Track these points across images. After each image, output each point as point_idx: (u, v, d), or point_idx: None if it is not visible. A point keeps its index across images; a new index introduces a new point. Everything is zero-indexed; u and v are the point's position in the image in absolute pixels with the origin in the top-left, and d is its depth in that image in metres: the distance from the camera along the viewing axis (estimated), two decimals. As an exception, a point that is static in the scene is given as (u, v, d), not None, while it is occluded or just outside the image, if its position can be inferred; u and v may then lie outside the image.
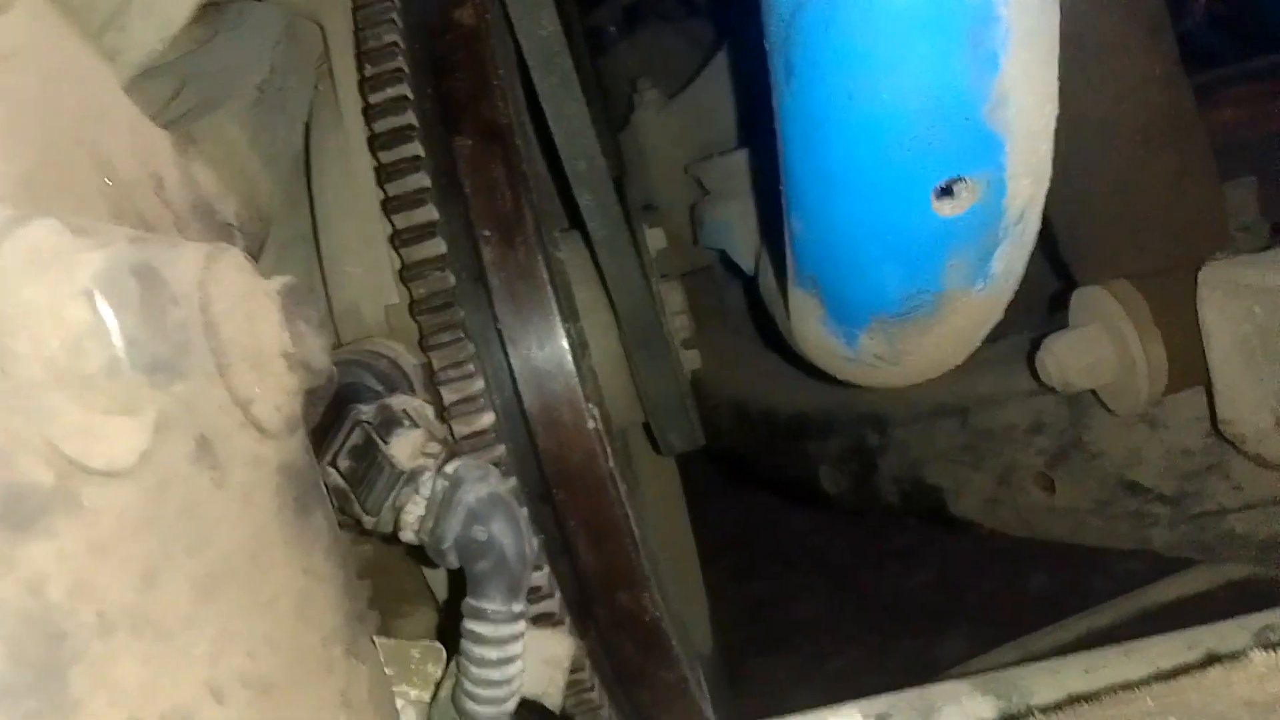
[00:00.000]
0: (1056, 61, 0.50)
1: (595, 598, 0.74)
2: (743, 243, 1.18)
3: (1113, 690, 0.37)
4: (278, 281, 0.40)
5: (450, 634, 0.65)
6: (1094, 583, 2.05)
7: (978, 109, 0.47)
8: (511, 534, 0.56)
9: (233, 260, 0.39)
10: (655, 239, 1.17)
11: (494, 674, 0.56)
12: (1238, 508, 1.10)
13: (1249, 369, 0.87)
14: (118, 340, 0.28)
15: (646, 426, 1.17)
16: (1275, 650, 0.35)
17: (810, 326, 0.69)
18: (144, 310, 0.29)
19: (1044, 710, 0.38)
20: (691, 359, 1.16)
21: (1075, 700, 0.36)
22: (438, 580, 0.79)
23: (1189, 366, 0.96)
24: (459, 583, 0.63)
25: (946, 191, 0.52)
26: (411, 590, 0.85)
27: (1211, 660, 0.37)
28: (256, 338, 0.39)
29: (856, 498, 1.55)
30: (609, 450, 0.72)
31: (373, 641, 0.45)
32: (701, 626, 1.40)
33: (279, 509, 0.40)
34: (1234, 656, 0.36)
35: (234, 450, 0.37)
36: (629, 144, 1.55)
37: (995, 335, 1.34)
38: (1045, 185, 0.55)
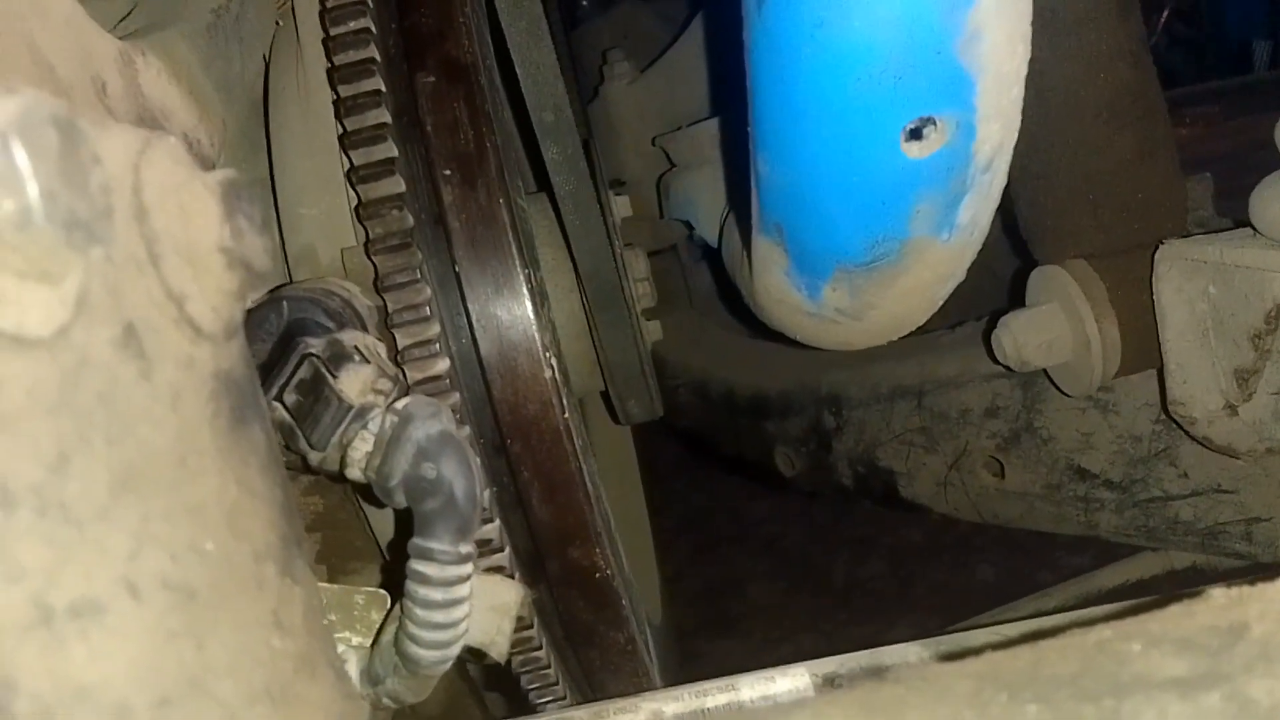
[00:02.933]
0: (1031, 2, 0.49)
1: (547, 552, 0.72)
2: (707, 213, 1.17)
3: (1069, 627, 0.36)
4: (219, 174, 0.38)
5: (395, 584, 0.63)
6: (1041, 576, 2.09)
7: (950, 43, 0.47)
8: (461, 473, 0.54)
9: (169, 149, 0.37)
10: (621, 206, 1.15)
11: (439, 616, 0.55)
12: (1184, 495, 1.11)
13: (1202, 349, 0.88)
14: (31, 189, 0.26)
15: (605, 397, 1.15)
16: (1236, 586, 0.35)
17: (773, 280, 0.68)
18: (63, 162, 0.27)
19: (996, 648, 0.37)
20: (653, 330, 1.15)
21: (1030, 637, 0.35)
22: (387, 537, 0.77)
23: (1143, 348, 0.97)
24: (406, 535, 0.61)
25: (916, 133, 0.51)
26: (361, 547, 0.83)
27: (1170, 600, 0.36)
28: (192, 230, 0.37)
29: (811, 479, 1.55)
30: (565, 402, 0.70)
31: (310, 567, 0.43)
32: (653, 599, 1.39)
33: (212, 415, 0.38)
34: (1194, 594, 0.35)
35: (165, 346, 0.35)
36: (598, 116, 1.54)
37: (955, 321, 1.36)
38: (1014, 134, 0.55)
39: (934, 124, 0.51)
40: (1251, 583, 0.34)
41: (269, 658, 0.36)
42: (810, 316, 0.68)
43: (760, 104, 0.55)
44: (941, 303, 0.67)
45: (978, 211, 0.57)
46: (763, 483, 1.76)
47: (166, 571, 0.31)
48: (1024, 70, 0.52)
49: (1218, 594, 0.34)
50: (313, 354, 0.59)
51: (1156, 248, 0.90)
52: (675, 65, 1.44)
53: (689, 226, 1.30)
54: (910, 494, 1.41)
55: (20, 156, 0.26)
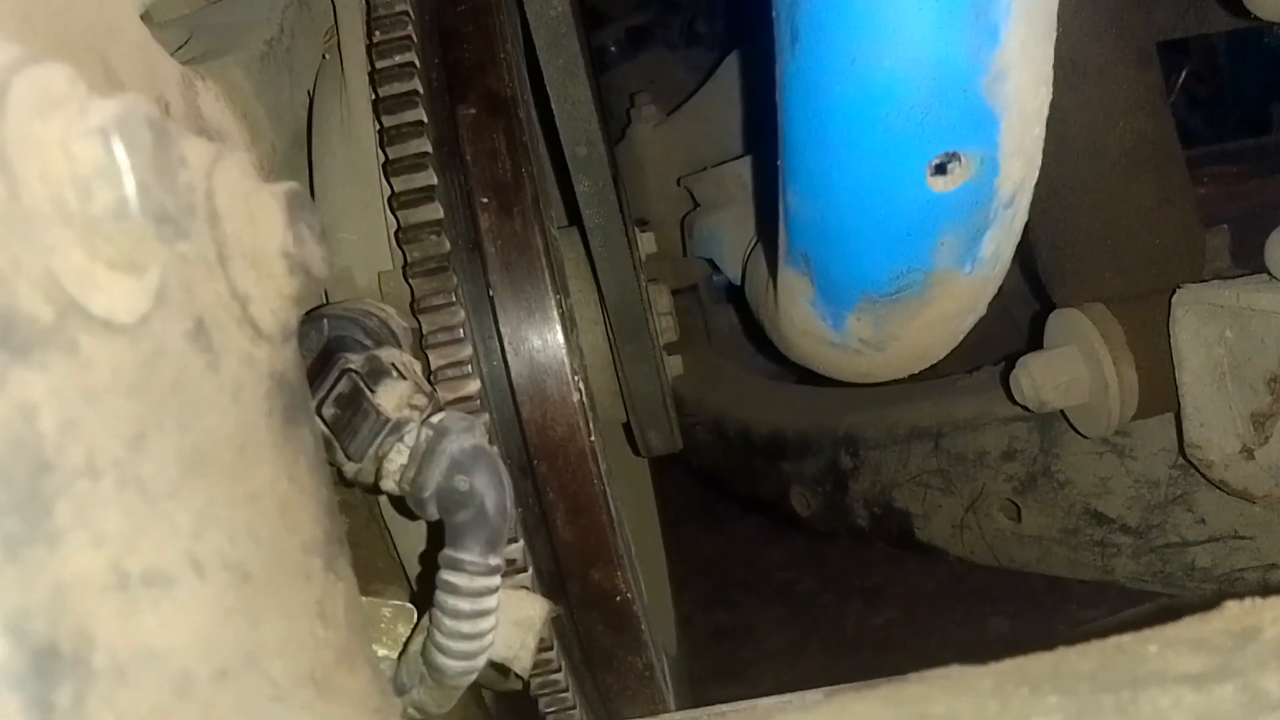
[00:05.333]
0: (1053, 45, 0.51)
1: (569, 573, 0.74)
2: (730, 251, 1.19)
3: (1088, 637, 0.37)
4: (283, 185, 0.41)
5: (420, 601, 0.65)
6: (1056, 629, 2.07)
7: (976, 81, 0.49)
8: (493, 486, 0.56)
9: (238, 160, 0.39)
10: (646, 243, 1.18)
11: (466, 626, 0.56)
12: (1201, 540, 1.11)
13: (1219, 393, 0.89)
14: (128, 183, 0.28)
15: (625, 430, 1.17)
16: (1250, 598, 0.36)
17: (798, 310, 0.70)
18: (155, 160, 0.29)
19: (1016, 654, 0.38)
20: (674, 365, 1.17)
21: (1050, 647, 0.36)
22: (410, 560, 0.78)
23: (1160, 392, 0.98)
24: (431, 554, 0.62)
25: (941, 168, 0.53)
26: (383, 568, 0.84)
27: (1186, 611, 0.38)
28: (258, 236, 0.39)
29: (827, 520, 1.56)
30: (591, 425, 0.72)
31: (350, 566, 0.44)
32: (668, 633, 1.39)
33: (268, 412, 0.39)
34: (1207, 605, 0.36)
35: (229, 343, 0.37)
36: (624, 157, 1.57)
37: (974, 365, 1.37)
38: (1036, 171, 0.57)
39: (959, 159, 0.53)
40: (1264, 595, 0.35)
41: (314, 645, 0.37)
42: (834, 347, 0.70)
43: (791, 137, 0.57)
44: (962, 336, 0.69)
45: (1000, 245, 0.59)
46: (778, 522, 1.76)
47: (226, 552, 0.33)
48: (1045, 110, 0.54)
49: (1232, 605, 0.35)
50: (352, 369, 0.61)
51: (1174, 292, 0.92)
52: (701, 109, 1.47)
53: (712, 265, 1.32)
54: (926, 536, 1.41)
55: (120, 152, 0.28)
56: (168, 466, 0.31)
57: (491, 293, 0.71)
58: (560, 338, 0.71)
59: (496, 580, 0.56)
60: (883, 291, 0.60)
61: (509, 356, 0.71)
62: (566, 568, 0.74)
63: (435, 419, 0.59)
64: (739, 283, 1.18)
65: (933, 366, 1.17)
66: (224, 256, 0.37)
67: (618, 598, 0.74)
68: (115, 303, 0.30)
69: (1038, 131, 0.54)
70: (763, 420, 1.60)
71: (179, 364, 0.33)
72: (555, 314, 0.71)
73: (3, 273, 0.27)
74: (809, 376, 1.57)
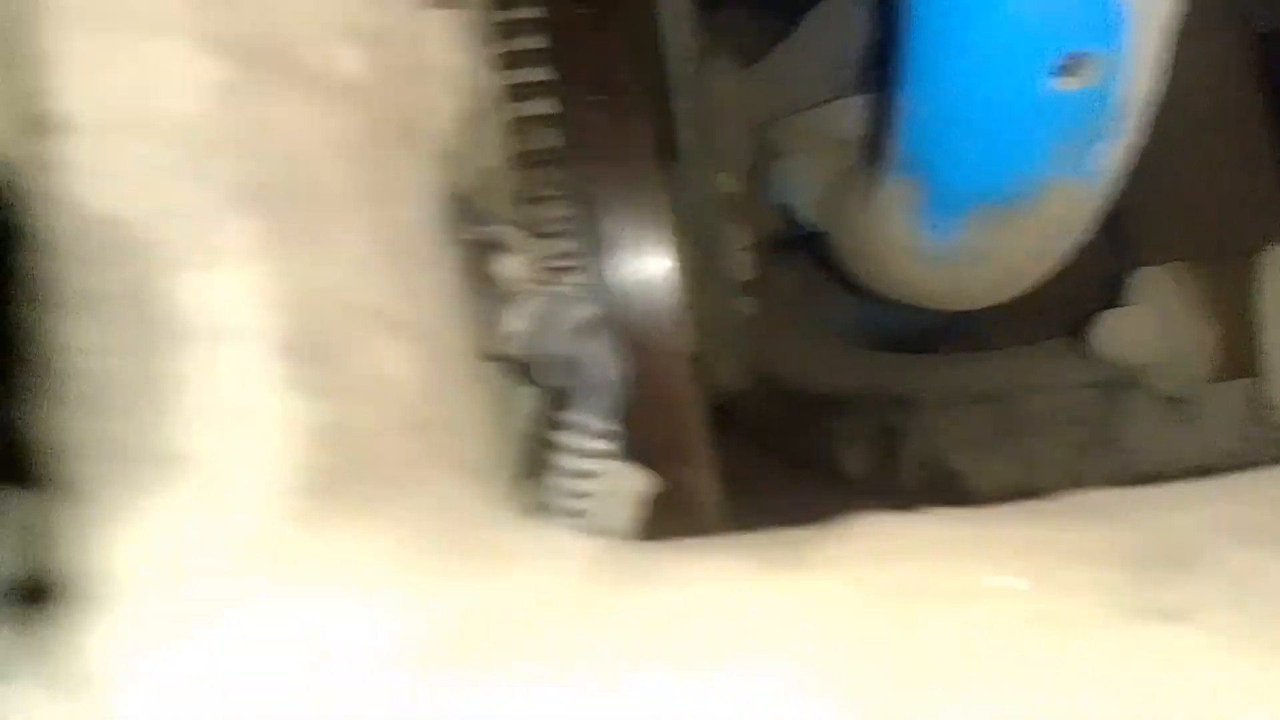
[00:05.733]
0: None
1: (654, 469, 0.76)
2: (807, 193, 1.21)
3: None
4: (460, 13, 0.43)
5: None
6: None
7: (1110, -22, 0.50)
8: (611, 353, 0.58)
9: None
10: (725, 182, 1.20)
11: (573, 486, 0.58)
12: (1262, 513, 1.11)
13: (1303, 354, 0.89)
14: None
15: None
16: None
17: (898, 223, 0.71)
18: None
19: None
20: (749, 304, 1.19)
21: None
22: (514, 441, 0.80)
23: (1238, 354, 0.98)
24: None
25: (1066, 69, 0.55)
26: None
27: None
28: (441, 60, 0.42)
29: (877, 480, 1.56)
30: (686, 323, 0.74)
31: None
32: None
33: (437, 218, 0.42)
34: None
35: (420, 144, 0.40)
36: (701, 106, 1.58)
37: (1047, 334, 1.36)
38: (1154, 86, 0.58)
39: (1084, 61, 0.54)
40: None
41: (483, 433, 0.40)
42: (932, 261, 0.71)
43: (914, 34, 0.58)
44: (1060, 256, 0.70)
45: (1113, 158, 0.60)
46: (824, 484, 1.77)
47: (422, 326, 0.36)
48: (1170, 24, 0.55)
49: None
50: (473, 238, 0.63)
51: (1258, 253, 0.92)
52: (785, 57, 1.47)
53: (786, 214, 1.33)
54: (978, 500, 1.41)
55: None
56: (379, 228, 0.34)
57: (596, 187, 0.73)
58: (663, 233, 0.73)
59: (606, 444, 0.59)
60: (994, 196, 0.61)
61: (611, 253, 0.73)
62: (652, 463, 0.76)
63: (551, 290, 0.61)
64: (814, 225, 1.19)
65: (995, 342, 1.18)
66: (423, 70, 0.40)
67: (699, 498, 0.76)
68: (348, 66, 0.32)
69: (1162, 43, 0.55)
70: (820, 380, 1.61)
71: (388, 143, 0.35)
72: (659, 209, 0.73)
73: (273, 28, 0.29)
74: (868, 341, 1.58)
